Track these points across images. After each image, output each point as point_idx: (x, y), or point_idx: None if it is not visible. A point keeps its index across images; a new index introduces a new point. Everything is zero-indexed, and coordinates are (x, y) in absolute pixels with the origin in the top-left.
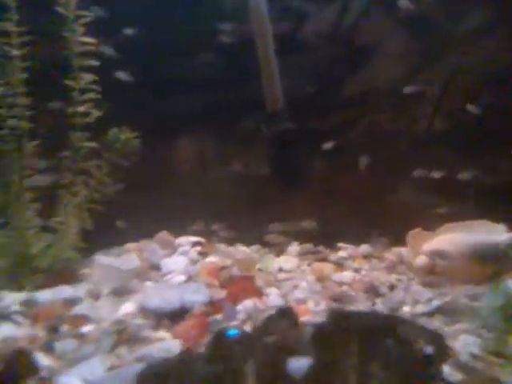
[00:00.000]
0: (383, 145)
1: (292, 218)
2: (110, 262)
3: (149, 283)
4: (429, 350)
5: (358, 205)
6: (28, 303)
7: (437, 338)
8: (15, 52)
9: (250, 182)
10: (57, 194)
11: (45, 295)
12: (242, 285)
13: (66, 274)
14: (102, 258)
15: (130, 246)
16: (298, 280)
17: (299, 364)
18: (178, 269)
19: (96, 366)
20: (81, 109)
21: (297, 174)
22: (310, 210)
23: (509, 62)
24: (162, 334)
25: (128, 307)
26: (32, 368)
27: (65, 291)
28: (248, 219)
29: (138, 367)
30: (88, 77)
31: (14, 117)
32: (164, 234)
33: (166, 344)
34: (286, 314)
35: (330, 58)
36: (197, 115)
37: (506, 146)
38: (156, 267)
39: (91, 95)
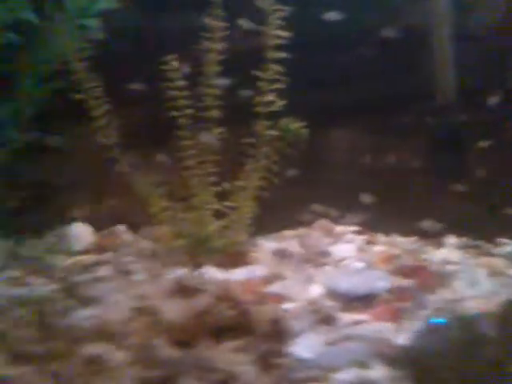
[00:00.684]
0: None
1: (446, 212)
2: (275, 247)
3: (327, 268)
4: None
5: None
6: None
7: None
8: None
9: (404, 174)
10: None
11: (239, 273)
12: (423, 274)
13: (238, 256)
14: (266, 243)
15: (286, 232)
16: (469, 273)
17: None
18: (349, 256)
19: (312, 341)
20: (267, 98)
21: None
22: (466, 205)
23: None
24: (356, 316)
25: (316, 289)
26: None
27: (257, 271)
28: (402, 211)
29: (353, 345)
30: (276, 68)
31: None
32: (323, 223)
33: (376, 325)
34: None
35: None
36: (359, 107)
37: None
38: (323, 253)
39: (277, 85)
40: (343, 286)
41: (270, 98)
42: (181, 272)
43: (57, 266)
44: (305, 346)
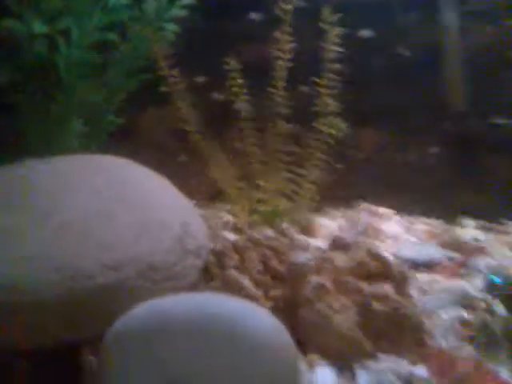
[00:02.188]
0: None
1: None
2: (332, 224)
3: (388, 241)
4: None
5: None
6: None
7: None
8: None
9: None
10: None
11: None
12: (465, 247)
13: (306, 229)
14: (324, 220)
15: (335, 212)
16: (499, 248)
17: None
18: (400, 232)
19: None
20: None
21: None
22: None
23: None
24: (427, 276)
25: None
26: None
27: None
28: (428, 199)
29: (442, 295)
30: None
31: None
32: (366, 205)
33: (449, 282)
34: None
35: None
36: (388, 111)
37: None
38: (377, 230)
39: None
40: (408, 254)
41: (327, 100)
42: None
43: None
44: None
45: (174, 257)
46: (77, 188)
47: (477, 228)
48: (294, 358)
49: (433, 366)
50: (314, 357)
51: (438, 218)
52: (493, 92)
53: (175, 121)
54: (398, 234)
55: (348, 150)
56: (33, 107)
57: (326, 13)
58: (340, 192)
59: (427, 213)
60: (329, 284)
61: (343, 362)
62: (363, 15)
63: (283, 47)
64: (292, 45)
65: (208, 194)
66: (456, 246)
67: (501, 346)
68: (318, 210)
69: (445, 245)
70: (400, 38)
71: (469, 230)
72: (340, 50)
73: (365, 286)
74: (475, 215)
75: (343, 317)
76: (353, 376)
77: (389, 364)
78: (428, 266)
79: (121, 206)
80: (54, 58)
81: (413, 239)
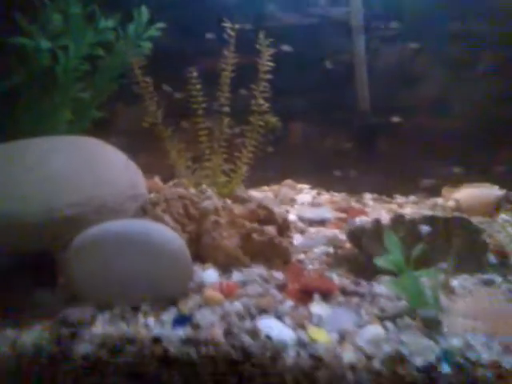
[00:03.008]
0: None
1: (365, 179)
2: (260, 195)
3: (296, 206)
4: None
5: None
6: None
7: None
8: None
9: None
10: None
11: None
12: (352, 211)
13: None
14: (254, 193)
15: (265, 188)
16: (378, 211)
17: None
18: (307, 201)
19: (298, 240)
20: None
21: (374, 151)
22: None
23: None
24: (317, 229)
25: (292, 216)
26: None
27: None
28: (337, 177)
29: (320, 238)
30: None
31: None
32: (289, 181)
33: (329, 231)
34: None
35: None
36: (311, 109)
37: None
38: (292, 199)
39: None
40: (307, 214)
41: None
42: None
43: None
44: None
45: (119, 200)
46: (58, 151)
47: (372, 199)
48: (187, 258)
49: (288, 273)
50: (208, 265)
51: (345, 191)
52: (392, 98)
53: (145, 115)
54: (306, 201)
55: (280, 139)
56: (33, 101)
57: (261, 36)
58: (271, 172)
59: (338, 188)
60: (223, 221)
61: (227, 268)
62: (301, 38)
63: (228, 61)
64: (235, 59)
65: (168, 173)
66: (346, 209)
67: (342, 265)
68: (253, 185)
69: (338, 209)
70: (328, 55)
71: (365, 201)
72: (272, 64)
73: (247, 223)
74: (374, 190)
75: (229, 241)
76: (230, 275)
77: (257, 270)
78: (321, 222)
79: (87, 165)
80: (55, 67)
81: (315, 205)
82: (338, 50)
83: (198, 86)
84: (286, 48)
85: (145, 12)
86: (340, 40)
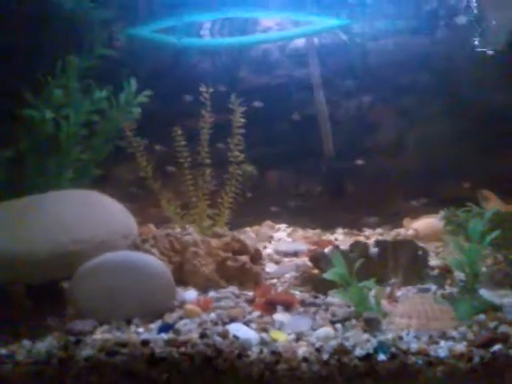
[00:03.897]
0: None
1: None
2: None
3: (274, 242)
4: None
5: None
6: None
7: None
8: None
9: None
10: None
11: None
12: (322, 244)
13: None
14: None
15: (247, 228)
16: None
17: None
18: (284, 237)
19: (272, 268)
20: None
21: (341, 190)
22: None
23: None
24: (290, 259)
25: (269, 250)
26: None
27: None
28: (312, 216)
29: (290, 266)
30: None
31: None
32: (269, 222)
33: (300, 261)
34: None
35: None
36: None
37: None
38: (270, 237)
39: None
40: (282, 248)
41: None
42: None
43: None
44: (268, 268)
45: (114, 237)
46: (63, 202)
47: (343, 233)
48: (171, 281)
49: (257, 291)
50: (189, 287)
51: (319, 228)
52: (354, 143)
53: (137, 170)
54: (282, 238)
55: (257, 185)
56: (39, 163)
57: (233, 98)
58: (252, 215)
59: (312, 225)
60: (201, 252)
61: (206, 290)
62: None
63: (206, 120)
64: (212, 118)
65: (159, 218)
66: (317, 242)
67: (306, 284)
68: (236, 227)
69: (311, 242)
70: (295, 108)
71: (336, 235)
72: (243, 120)
73: (221, 253)
74: (346, 226)
75: (207, 268)
76: (208, 294)
77: (231, 290)
78: (294, 254)
79: (88, 212)
80: (58, 134)
81: (290, 240)
82: (303, 104)
83: (183, 143)
84: (257, 104)
85: (133, 83)
86: (304, 95)
